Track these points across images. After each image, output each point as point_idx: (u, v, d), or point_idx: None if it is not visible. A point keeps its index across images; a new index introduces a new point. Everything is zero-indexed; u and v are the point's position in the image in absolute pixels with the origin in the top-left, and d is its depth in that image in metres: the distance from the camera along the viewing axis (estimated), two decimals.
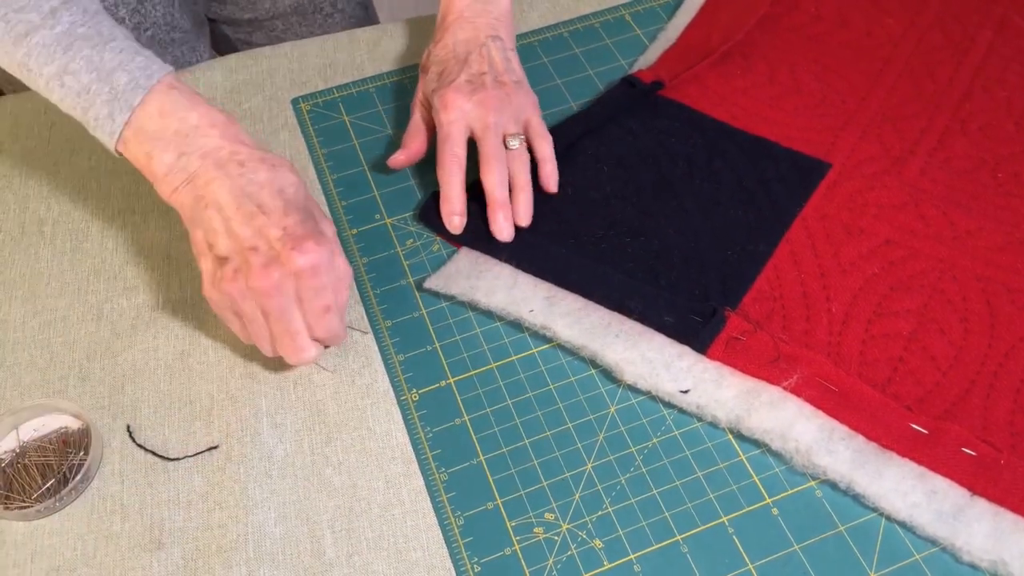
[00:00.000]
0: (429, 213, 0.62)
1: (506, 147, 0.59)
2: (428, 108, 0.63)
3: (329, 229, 0.52)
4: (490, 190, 0.59)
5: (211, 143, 0.50)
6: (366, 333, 0.56)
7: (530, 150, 0.61)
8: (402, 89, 0.71)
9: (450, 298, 0.59)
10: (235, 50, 0.88)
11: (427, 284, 0.59)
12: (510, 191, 0.60)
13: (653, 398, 0.54)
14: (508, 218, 0.59)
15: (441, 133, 0.60)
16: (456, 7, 0.65)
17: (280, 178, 0.51)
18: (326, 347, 0.55)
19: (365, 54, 0.74)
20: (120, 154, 0.52)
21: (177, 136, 0.50)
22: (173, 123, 0.50)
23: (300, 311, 0.50)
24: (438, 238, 0.62)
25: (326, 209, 0.64)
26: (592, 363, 0.56)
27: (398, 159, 0.63)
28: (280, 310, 0.49)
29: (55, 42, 0.50)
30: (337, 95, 0.71)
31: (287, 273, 0.49)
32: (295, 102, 0.71)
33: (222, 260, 0.50)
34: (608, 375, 0.55)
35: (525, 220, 0.60)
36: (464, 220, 0.60)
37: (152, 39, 0.76)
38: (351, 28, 0.87)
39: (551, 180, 0.61)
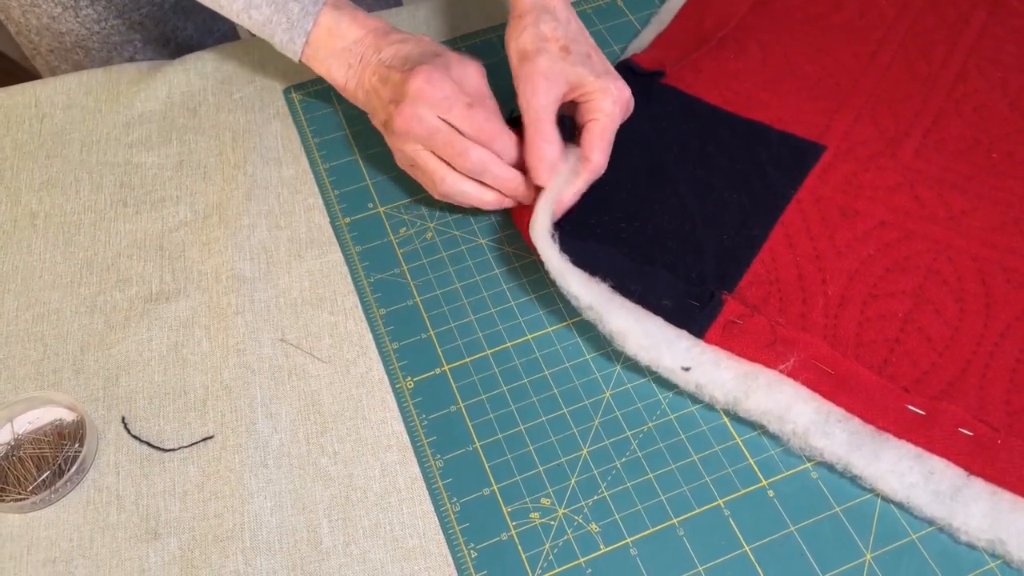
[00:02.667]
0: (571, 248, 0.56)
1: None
2: (558, 95, 0.57)
3: (461, 65, 0.57)
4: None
5: (363, 48, 0.59)
6: (326, 362, 0.56)
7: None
8: None
9: (445, 284, 0.59)
10: None
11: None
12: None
13: (648, 383, 0.54)
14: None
15: (609, 125, 0.57)
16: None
17: (407, 46, 0.58)
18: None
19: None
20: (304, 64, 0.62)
21: (344, 51, 0.60)
22: (338, 41, 0.60)
23: (455, 131, 0.55)
24: (432, 225, 0.62)
25: (318, 199, 0.64)
26: (588, 348, 0.56)
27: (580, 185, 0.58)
28: (431, 134, 0.55)
29: None
30: (329, 84, 0.70)
31: (409, 101, 0.55)
32: (287, 91, 0.70)
33: (385, 126, 0.58)
34: (603, 360, 0.55)
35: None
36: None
37: (176, 5, 0.77)
38: (376, 5, 0.87)
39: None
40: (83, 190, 0.65)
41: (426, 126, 0.55)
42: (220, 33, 0.84)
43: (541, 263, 0.55)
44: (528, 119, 0.57)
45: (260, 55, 0.73)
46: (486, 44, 0.72)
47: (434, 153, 0.57)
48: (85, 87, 0.71)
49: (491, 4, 0.76)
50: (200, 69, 0.72)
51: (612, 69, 0.59)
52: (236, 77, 0.71)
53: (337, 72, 0.60)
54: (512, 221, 0.62)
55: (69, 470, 0.52)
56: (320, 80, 0.71)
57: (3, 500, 0.51)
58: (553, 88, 0.57)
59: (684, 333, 0.53)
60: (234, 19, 0.61)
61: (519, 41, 0.58)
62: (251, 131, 0.68)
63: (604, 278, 0.55)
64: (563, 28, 0.58)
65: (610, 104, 0.57)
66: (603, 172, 0.58)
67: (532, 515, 0.50)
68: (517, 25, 0.59)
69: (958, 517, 0.47)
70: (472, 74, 0.57)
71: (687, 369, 0.52)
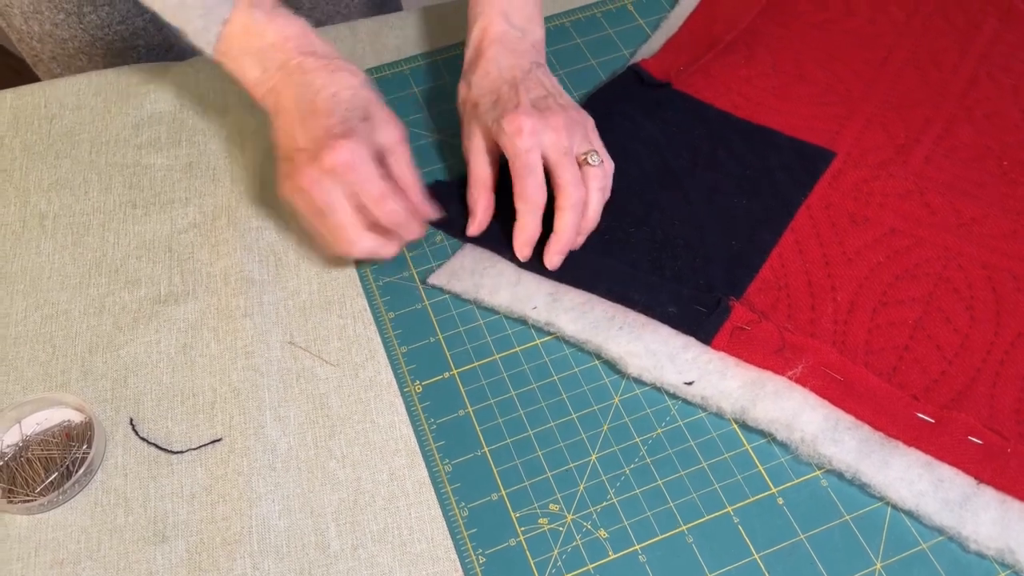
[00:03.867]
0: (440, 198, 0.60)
1: (587, 164, 0.57)
2: (488, 147, 0.59)
3: (389, 131, 0.55)
4: (564, 223, 0.56)
5: (284, 56, 0.56)
6: (334, 365, 0.55)
7: None
8: (403, 80, 0.71)
9: (453, 293, 0.59)
10: None
11: (431, 280, 0.59)
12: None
13: (657, 389, 0.54)
14: (565, 252, 0.57)
15: (519, 162, 0.56)
16: (491, 34, 0.61)
17: (337, 81, 0.55)
18: (404, 241, 0.57)
19: (367, 45, 0.73)
20: (218, 62, 0.58)
21: (259, 52, 0.56)
22: (254, 40, 0.56)
23: (351, 205, 0.54)
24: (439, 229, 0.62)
25: None
26: (596, 354, 0.56)
27: (475, 225, 0.59)
28: (324, 203, 0.54)
29: None
30: None
31: (323, 170, 0.53)
32: None
33: (285, 161, 0.56)
34: (612, 366, 0.55)
35: (581, 236, 0.58)
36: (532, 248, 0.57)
37: None
38: (377, 10, 0.87)
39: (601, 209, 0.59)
40: (92, 191, 0.65)
41: (324, 196, 0.54)
42: None
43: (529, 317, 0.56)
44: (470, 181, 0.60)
45: None
46: None
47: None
48: (94, 88, 0.71)
49: None
50: (210, 70, 0.72)
51: (522, 101, 0.57)
52: None
53: (251, 72, 0.57)
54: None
55: (77, 472, 0.52)
56: None
57: (11, 501, 0.51)
58: (479, 151, 0.59)
59: (690, 342, 0.53)
60: (147, 2, 0.57)
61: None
62: (261, 133, 0.68)
63: (604, 292, 0.55)
64: (478, 82, 0.60)
65: (507, 142, 0.56)
66: (542, 206, 0.56)
67: (540, 521, 0.50)
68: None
69: (968, 526, 0.47)
70: (393, 134, 0.56)
71: (690, 383, 0.52)
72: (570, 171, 0.56)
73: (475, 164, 0.59)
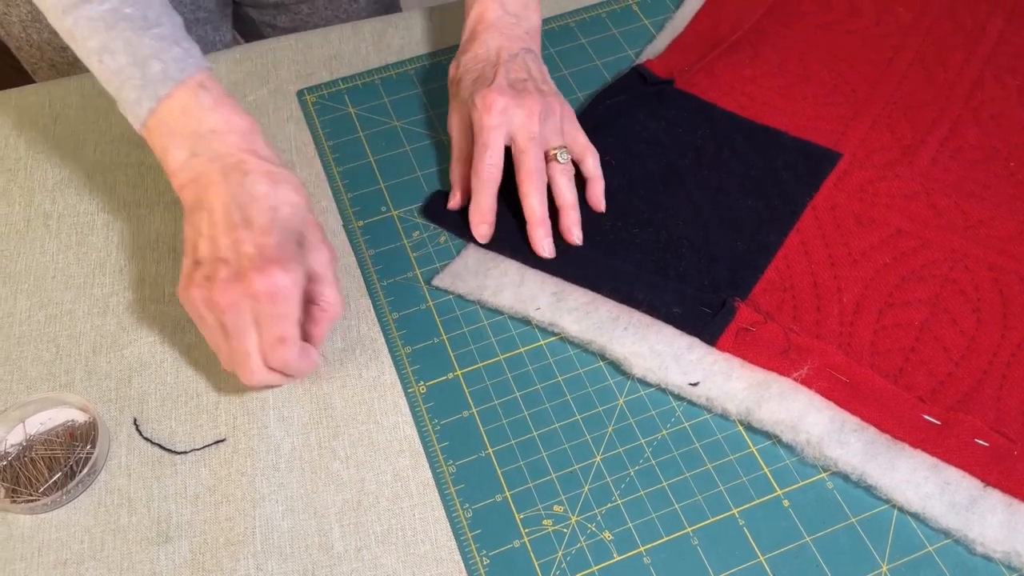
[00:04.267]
0: (434, 208, 0.62)
1: (555, 160, 0.56)
2: (467, 124, 0.60)
3: (321, 258, 0.50)
4: (531, 207, 0.56)
5: (223, 148, 0.51)
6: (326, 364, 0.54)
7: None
8: (407, 80, 0.71)
9: (457, 294, 0.59)
10: (258, 32, 0.88)
11: (435, 282, 0.59)
12: (557, 207, 0.58)
13: (662, 390, 0.54)
14: (548, 234, 0.57)
15: (481, 138, 0.56)
16: (487, 18, 0.62)
17: (279, 195, 0.50)
18: (289, 376, 0.52)
19: (370, 45, 0.73)
20: (143, 137, 0.53)
21: (194, 136, 0.51)
22: (192, 122, 0.51)
23: (257, 334, 0.49)
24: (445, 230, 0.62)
25: (331, 202, 0.64)
26: (600, 355, 0.55)
27: (455, 199, 0.60)
28: (235, 328, 0.48)
29: (100, 18, 0.50)
30: (343, 87, 0.70)
31: (246, 293, 0.48)
32: (300, 94, 0.70)
33: (198, 264, 0.50)
34: (617, 367, 0.55)
35: (578, 239, 0.57)
36: (492, 230, 0.58)
37: None
38: (376, 13, 0.87)
39: (600, 199, 0.60)
40: (96, 191, 0.65)
41: (240, 320, 0.48)
42: (222, 45, 0.84)
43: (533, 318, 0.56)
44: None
45: (274, 57, 0.73)
46: None
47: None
48: (99, 88, 0.71)
49: None
50: (214, 72, 0.71)
51: (498, 79, 0.57)
52: (249, 80, 0.71)
53: (176, 154, 0.51)
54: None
55: (81, 472, 0.52)
56: (333, 83, 0.71)
57: (15, 501, 0.51)
58: (458, 127, 0.60)
59: (695, 343, 0.53)
60: (84, 59, 0.52)
61: None
62: (265, 133, 0.67)
63: (609, 292, 0.55)
64: (466, 62, 0.60)
65: (476, 117, 0.57)
66: (494, 183, 0.57)
67: (545, 522, 0.50)
68: None
69: (974, 528, 0.47)
70: (324, 258, 0.51)
71: (695, 384, 0.52)
72: (532, 156, 0.55)
73: (455, 140, 0.60)
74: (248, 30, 0.90)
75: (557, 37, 0.72)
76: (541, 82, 0.59)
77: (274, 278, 0.47)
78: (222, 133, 0.51)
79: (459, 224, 0.60)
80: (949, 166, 0.62)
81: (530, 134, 0.56)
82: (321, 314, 0.51)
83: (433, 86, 0.70)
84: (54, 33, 0.74)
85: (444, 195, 0.62)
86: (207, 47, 0.80)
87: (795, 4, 0.73)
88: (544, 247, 0.57)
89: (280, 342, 0.49)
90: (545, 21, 0.74)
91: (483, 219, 0.58)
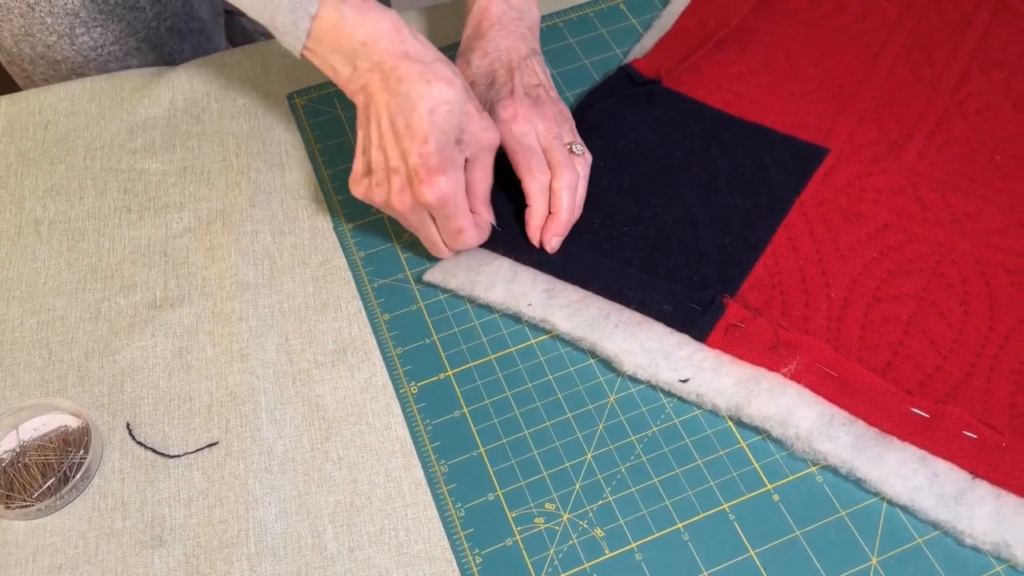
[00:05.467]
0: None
1: (573, 152, 0.59)
2: None
3: (476, 142, 0.54)
4: (562, 204, 0.58)
5: (377, 57, 0.54)
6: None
7: None
8: None
9: (449, 291, 0.59)
10: (251, 41, 0.88)
11: (426, 277, 0.59)
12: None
13: (652, 387, 0.54)
14: (564, 234, 0.59)
15: (521, 145, 0.58)
16: (492, 13, 0.63)
17: (434, 95, 0.53)
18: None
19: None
20: (306, 59, 0.56)
21: (350, 51, 0.54)
22: (344, 39, 0.54)
23: (437, 227, 0.56)
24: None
25: (321, 205, 0.64)
26: (591, 353, 0.56)
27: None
28: (417, 225, 0.56)
29: None
30: (332, 89, 0.71)
31: (417, 201, 0.54)
32: (290, 97, 0.70)
33: (371, 170, 0.55)
34: (607, 364, 0.55)
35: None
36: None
37: (171, 28, 0.76)
38: None
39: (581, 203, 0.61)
40: (87, 196, 0.66)
41: (417, 219, 0.56)
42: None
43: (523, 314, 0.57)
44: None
45: (263, 60, 0.73)
46: None
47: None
48: (89, 93, 0.71)
49: None
50: (203, 75, 0.72)
51: (516, 88, 0.59)
52: (240, 83, 0.71)
53: (343, 70, 0.55)
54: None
55: (74, 477, 0.52)
56: (323, 86, 0.71)
57: (9, 507, 0.51)
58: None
59: (684, 339, 0.53)
60: (233, 0, 0.56)
61: None
62: (255, 137, 0.68)
63: (600, 289, 0.56)
64: (476, 62, 0.61)
65: (503, 127, 0.58)
66: (548, 184, 0.58)
67: (537, 520, 0.50)
68: None
69: (963, 520, 0.47)
70: (480, 145, 0.55)
71: (685, 381, 0.52)
72: (562, 153, 0.58)
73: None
74: (240, 40, 0.90)
75: (546, 37, 0.73)
76: (549, 89, 0.62)
77: (438, 186, 0.53)
78: (372, 42, 0.54)
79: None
80: (936, 160, 0.62)
81: (554, 135, 0.58)
82: (481, 152, 0.55)
83: None
84: (47, 46, 0.74)
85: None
86: (202, 56, 0.80)
87: (782, 1, 0.73)
88: (555, 243, 0.58)
89: (458, 232, 0.56)
90: None
91: (540, 224, 0.58)
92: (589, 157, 0.60)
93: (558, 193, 0.58)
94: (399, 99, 0.53)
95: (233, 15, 0.86)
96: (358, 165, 0.57)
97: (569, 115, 0.61)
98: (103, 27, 0.73)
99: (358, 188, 0.57)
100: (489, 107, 0.59)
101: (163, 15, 0.75)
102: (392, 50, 0.53)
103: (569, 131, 0.60)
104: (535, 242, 0.58)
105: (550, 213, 0.58)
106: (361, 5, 0.54)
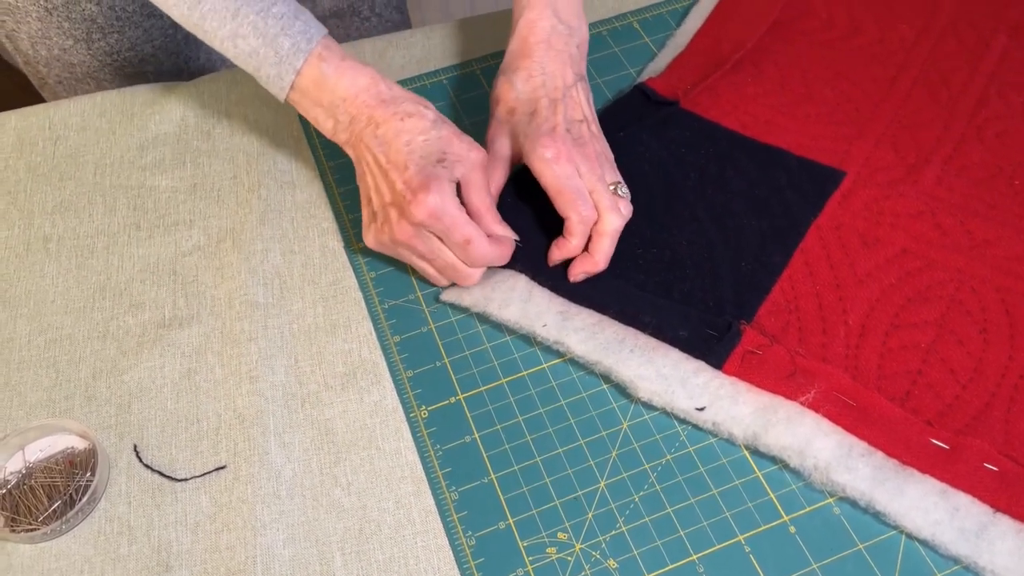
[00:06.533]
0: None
1: (618, 195, 0.57)
2: (510, 155, 0.60)
3: (462, 163, 0.55)
4: (605, 240, 0.57)
5: (356, 111, 0.56)
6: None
7: None
8: None
9: (461, 311, 0.58)
10: None
11: (443, 297, 0.58)
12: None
13: (666, 414, 0.53)
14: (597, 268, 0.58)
15: (567, 186, 0.56)
16: (539, 30, 0.61)
17: (408, 128, 0.55)
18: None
19: (371, 64, 0.73)
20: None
21: (331, 106, 0.57)
22: (325, 94, 0.57)
23: (447, 247, 0.56)
24: None
25: (332, 224, 0.64)
26: (604, 378, 0.55)
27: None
28: (427, 251, 0.56)
29: (224, 7, 0.55)
30: None
31: (414, 224, 0.54)
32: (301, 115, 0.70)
33: (374, 215, 0.57)
34: (620, 390, 0.54)
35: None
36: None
37: (187, 37, 0.76)
38: (387, 32, 0.87)
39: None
40: (96, 213, 0.65)
41: (426, 244, 0.56)
42: (232, 65, 0.84)
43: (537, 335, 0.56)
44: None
45: None
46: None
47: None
48: (99, 109, 0.71)
49: (504, 27, 0.75)
50: (214, 91, 0.71)
51: (558, 125, 0.57)
52: (250, 99, 0.71)
53: (325, 124, 0.58)
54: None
55: (80, 500, 0.51)
56: None
57: (14, 530, 0.50)
58: (501, 156, 0.60)
59: (701, 366, 0.53)
60: (217, 47, 0.57)
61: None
62: (265, 154, 0.67)
63: (615, 313, 0.55)
64: (520, 86, 0.60)
65: (544, 167, 0.57)
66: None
67: (549, 550, 0.49)
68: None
69: (984, 555, 0.46)
70: (466, 166, 0.56)
71: (701, 409, 0.51)
72: (608, 196, 0.57)
73: (492, 165, 0.60)
74: None
75: None
76: (592, 123, 0.60)
77: (424, 202, 0.53)
78: (351, 98, 0.56)
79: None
80: (954, 185, 0.62)
81: (598, 176, 0.57)
82: (468, 186, 0.56)
83: (436, 105, 0.70)
84: (63, 50, 0.74)
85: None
86: (216, 65, 0.80)
87: (797, 21, 0.73)
88: (581, 277, 0.58)
89: (466, 243, 0.55)
90: None
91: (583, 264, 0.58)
92: (629, 197, 0.58)
93: (601, 237, 0.56)
94: (379, 141, 0.55)
95: None
96: (365, 215, 0.58)
97: (610, 154, 0.60)
98: (120, 33, 0.73)
99: (368, 236, 0.58)
100: (528, 142, 0.58)
101: None
102: (369, 102, 0.56)
103: (611, 171, 0.58)
104: (552, 262, 0.58)
105: (586, 251, 0.57)
106: (340, 64, 0.56)
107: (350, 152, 0.58)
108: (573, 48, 0.61)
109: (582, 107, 0.60)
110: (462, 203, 0.55)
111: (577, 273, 0.57)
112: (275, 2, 0.56)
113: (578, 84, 0.60)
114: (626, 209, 0.58)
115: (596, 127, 0.60)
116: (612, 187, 0.57)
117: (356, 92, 0.56)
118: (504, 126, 0.61)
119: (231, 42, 0.56)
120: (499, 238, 0.57)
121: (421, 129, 0.55)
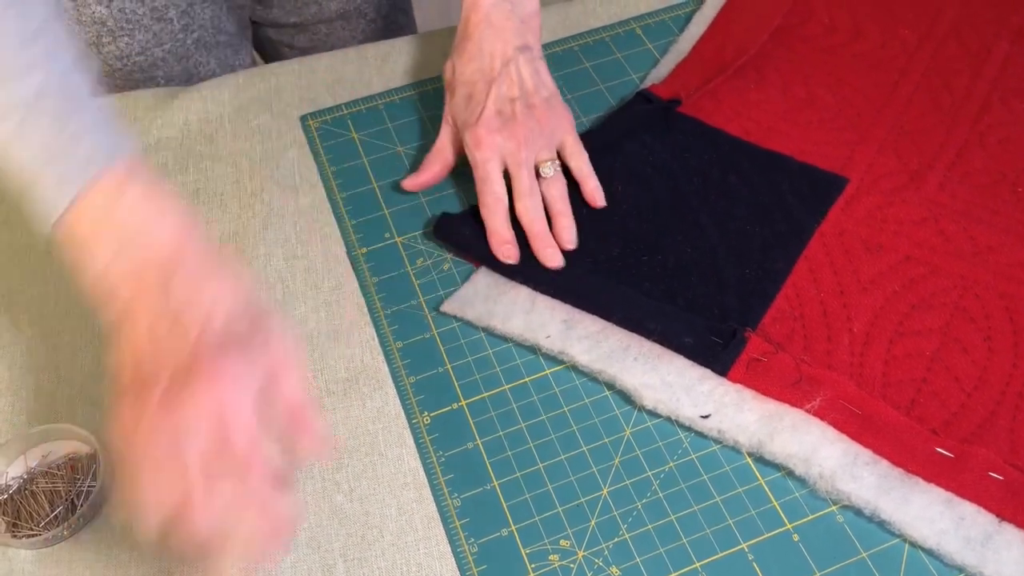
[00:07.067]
0: (446, 229, 0.61)
1: (541, 175, 0.59)
2: (456, 129, 0.63)
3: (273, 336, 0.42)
4: (528, 225, 0.58)
5: (152, 272, 0.42)
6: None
7: (567, 170, 0.61)
8: (411, 105, 0.70)
9: (465, 321, 0.58)
10: (277, 53, 0.88)
11: (443, 308, 0.58)
12: (549, 218, 0.59)
13: (669, 420, 0.53)
14: (552, 245, 0.58)
15: (478, 173, 0.59)
16: (480, 9, 0.61)
17: (200, 306, 0.41)
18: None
19: (373, 70, 0.73)
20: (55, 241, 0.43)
21: (121, 236, 0.42)
22: (117, 219, 0.42)
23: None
24: (450, 256, 0.61)
25: (334, 229, 0.63)
26: (607, 384, 0.55)
27: (416, 180, 0.63)
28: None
29: (19, 101, 0.41)
30: (346, 112, 0.70)
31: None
32: (303, 119, 0.70)
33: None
34: (623, 396, 0.54)
35: (570, 243, 0.59)
36: (515, 248, 0.58)
37: (198, 41, 0.76)
38: (392, 34, 0.88)
39: (596, 195, 0.61)
40: None
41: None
42: (242, 68, 0.84)
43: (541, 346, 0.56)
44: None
45: (277, 82, 0.72)
46: None
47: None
48: None
49: None
50: (217, 96, 0.71)
51: (486, 111, 0.59)
52: (253, 104, 0.71)
53: (100, 253, 0.42)
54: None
55: (82, 505, 0.51)
56: (337, 108, 0.70)
57: (16, 536, 0.50)
58: (448, 136, 0.64)
59: (706, 374, 0.53)
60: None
61: None
62: (268, 159, 0.67)
63: (620, 320, 0.55)
64: (461, 68, 0.61)
65: (469, 153, 0.59)
66: (502, 210, 0.59)
67: (551, 557, 0.49)
68: None
69: (989, 565, 0.46)
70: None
71: (706, 417, 0.51)
72: (522, 180, 0.58)
73: (442, 140, 0.63)
74: (267, 52, 0.90)
75: (560, 61, 0.72)
76: (531, 93, 0.60)
77: (212, 390, 0.38)
78: (149, 244, 0.42)
79: (472, 244, 0.59)
80: (957, 192, 0.61)
81: (517, 161, 0.58)
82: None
83: (436, 112, 0.69)
84: None
85: (454, 216, 0.61)
86: (228, 71, 0.80)
87: (800, 27, 0.73)
88: (548, 256, 0.58)
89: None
90: (548, 45, 0.73)
91: (502, 240, 0.59)
92: (557, 172, 0.60)
93: (522, 219, 0.58)
94: (174, 305, 0.41)
95: (260, 26, 0.86)
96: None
97: (554, 119, 0.60)
98: (130, 37, 0.73)
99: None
100: (462, 128, 0.60)
101: (191, 27, 0.75)
102: (164, 272, 0.42)
103: (544, 146, 0.59)
104: (500, 256, 0.58)
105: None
106: (149, 191, 0.43)
107: (110, 310, 0.42)
108: (516, 21, 0.61)
109: (518, 80, 0.60)
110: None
111: (541, 254, 0.58)
112: (88, 108, 0.43)
113: (519, 57, 0.60)
114: (554, 187, 0.59)
115: (538, 96, 0.60)
116: (539, 165, 0.59)
117: (161, 228, 0.43)
118: (449, 109, 0.63)
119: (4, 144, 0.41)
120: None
121: (225, 297, 0.42)
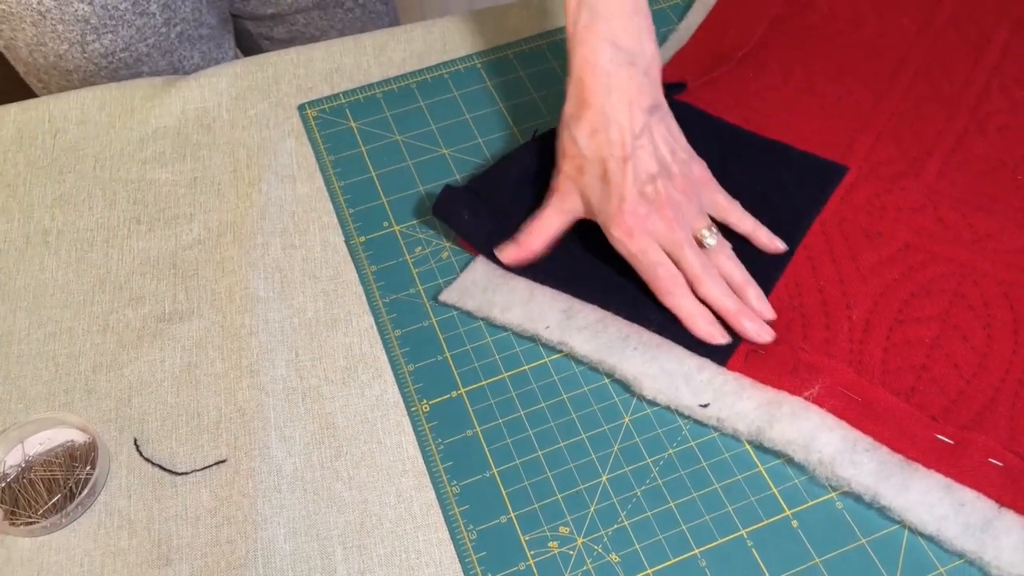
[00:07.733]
0: (447, 207, 0.59)
1: (703, 246, 0.54)
2: (576, 213, 0.56)
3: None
4: (720, 307, 0.53)
5: None
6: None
7: (722, 227, 0.57)
8: (409, 94, 0.70)
9: (465, 312, 0.58)
10: (257, 46, 0.88)
11: (442, 297, 0.58)
12: (734, 290, 0.55)
13: (669, 409, 0.53)
14: (756, 319, 0.53)
15: (640, 264, 0.54)
16: (597, 69, 0.53)
17: None
18: None
19: (371, 59, 0.73)
20: None
21: None
22: None
23: None
24: (448, 244, 0.61)
25: (332, 218, 0.63)
26: (609, 374, 0.55)
27: (515, 256, 0.57)
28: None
29: None
30: (344, 101, 0.70)
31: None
32: (301, 108, 0.70)
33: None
34: (622, 385, 0.54)
35: (770, 313, 0.54)
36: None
37: (181, 35, 0.76)
38: (371, 23, 0.87)
39: (773, 243, 0.57)
40: (96, 207, 0.65)
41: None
42: (224, 62, 0.83)
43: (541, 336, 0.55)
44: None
45: (274, 71, 0.72)
46: (502, 61, 0.72)
47: None
48: (99, 102, 0.70)
49: (508, 20, 0.75)
50: (215, 85, 0.71)
51: (627, 194, 0.52)
52: (250, 93, 0.71)
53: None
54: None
55: (80, 493, 0.51)
56: (334, 97, 0.70)
57: (14, 523, 0.50)
58: (567, 211, 0.56)
59: (705, 363, 0.53)
60: None
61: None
62: (265, 148, 0.67)
63: (619, 310, 0.55)
64: (584, 141, 0.53)
65: (619, 246, 0.54)
66: (686, 289, 0.54)
67: (550, 544, 0.49)
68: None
69: (989, 550, 0.46)
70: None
71: (705, 406, 0.51)
72: (689, 261, 0.53)
73: (551, 215, 0.57)
74: (247, 45, 0.90)
75: (558, 52, 0.72)
76: (670, 163, 0.54)
77: None
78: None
79: (471, 232, 0.59)
80: (956, 179, 0.61)
81: (677, 243, 0.53)
82: None
83: (435, 100, 0.70)
84: (59, 56, 0.73)
85: (456, 192, 0.60)
86: (209, 65, 0.80)
87: (799, 15, 0.72)
88: (754, 332, 0.53)
89: None
90: (543, 36, 0.73)
91: (709, 320, 0.53)
92: (716, 238, 0.55)
93: (712, 304, 0.53)
94: None
95: (239, 18, 0.86)
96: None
97: (697, 180, 0.56)
98: (113, 33, 0.73)
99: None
100: (602, 216, 0.54)
101: (172, 21, 0.74)
102: None
103: (696, 214, 0.54)
104: (708, 339, 0.53)
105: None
106: None
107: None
108: (639, 78, 0.54)
109: (656, 155, 0.54)
110: None
111: (743, 331, 0.53)
112: None
113: (651, 121, 0.54)
114: (720, 254, 0.54)
115: (677, 165, 0.55)
116: (701, 236, 0.54)
117: None
118: (573, 183, 0.55)
119: None
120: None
121: None
